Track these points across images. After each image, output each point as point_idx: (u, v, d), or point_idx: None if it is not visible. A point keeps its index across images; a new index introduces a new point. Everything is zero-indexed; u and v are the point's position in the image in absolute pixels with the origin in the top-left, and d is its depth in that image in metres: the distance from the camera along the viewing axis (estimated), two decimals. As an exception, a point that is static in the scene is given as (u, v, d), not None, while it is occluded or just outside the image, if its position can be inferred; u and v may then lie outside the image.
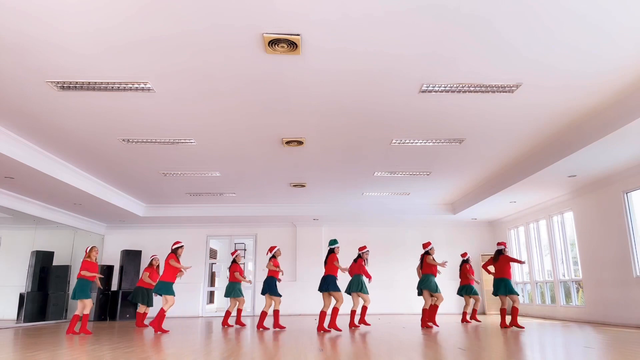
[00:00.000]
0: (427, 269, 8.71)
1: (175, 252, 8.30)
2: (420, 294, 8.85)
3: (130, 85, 5.34)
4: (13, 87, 5.35)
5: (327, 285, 7.89)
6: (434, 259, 8.71)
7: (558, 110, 6.25)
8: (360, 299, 8.56)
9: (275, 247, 8.95)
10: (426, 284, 8.55)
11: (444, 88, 5.51)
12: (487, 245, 14.01)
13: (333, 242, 8.26)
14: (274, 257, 8.71)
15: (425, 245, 8.94)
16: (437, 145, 7.63)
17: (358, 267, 8.55)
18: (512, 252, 13.13)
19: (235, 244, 14.45)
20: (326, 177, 9.69)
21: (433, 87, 5.47)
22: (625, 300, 8.46)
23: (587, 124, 6.61)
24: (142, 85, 5.34)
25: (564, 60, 4.93)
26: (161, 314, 7.96)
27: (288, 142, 7.41)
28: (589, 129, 6.61)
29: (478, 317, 11.42)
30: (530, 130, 7.02)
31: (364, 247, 8.86)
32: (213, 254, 15.62)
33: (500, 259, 8.63)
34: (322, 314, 7.86)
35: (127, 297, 12.51)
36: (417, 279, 9.74)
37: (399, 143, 7.51)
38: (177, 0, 3.85)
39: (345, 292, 8.60)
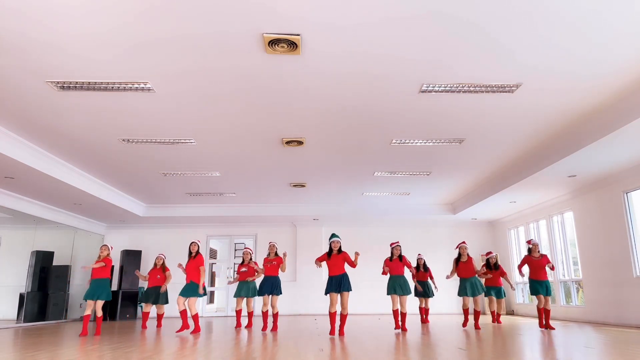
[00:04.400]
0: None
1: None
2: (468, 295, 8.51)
3: (131, 86, 5.34)
4: (13, 87, 5.35)
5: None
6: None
7: (558, 110, 6.25)
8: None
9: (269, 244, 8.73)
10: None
11: (444, 88, 5.51)
12: (487, 245, 14.01)
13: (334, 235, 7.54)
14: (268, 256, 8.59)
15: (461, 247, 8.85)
16: (437, 145, 7.62)
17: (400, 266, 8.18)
18: (512, 252, 13.14)
19: (235, 244, 14.46)
20: (326, 177, 9.69)
21: (433, 87, 5.47)
22: (625, 300, 8.46)
23: (587, 124, 6.61)
24: (142, 86, 5.34)
25: (562, 63, 4.94)
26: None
27: (288, 142, 7.41)
28: (589, 129, 6.61)
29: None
30: (530, 130, 7.01)
31: (395, 242, 8.42)
32: (213, 254, 15.63)
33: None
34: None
35: (128, 298, 12.53)
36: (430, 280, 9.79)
37: (399, 143, 7.51)
38: (177, 1, 3.85)
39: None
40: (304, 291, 13.25)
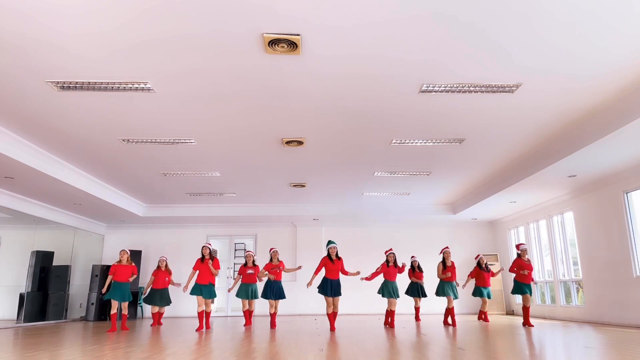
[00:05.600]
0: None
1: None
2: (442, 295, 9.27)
3: (130, 86, 5.34)
4: (13, 87, 5.35)
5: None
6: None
7: (558, 110, 6.25)
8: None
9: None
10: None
11: (444, 88, 5.51)
12: (487, 245, 14.01)
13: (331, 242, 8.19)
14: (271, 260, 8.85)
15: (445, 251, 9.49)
16: (437, 145, 7.63)
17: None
18: (512, 252, 13.13)
19: (235, 244, 14.45)
20: (326, 177, 9.69)
21: (433, 87, 5.47)
22: (625, 300, 8.47)
23: (587, 124, 6.61)
24: (142, 86, 5.34)
25: (561, 63, 4.94)
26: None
27: (288, 142, 7.41)
28: (589, 129, 6.61)
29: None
30: (530, 130, 7.02)
31: (389, 250, 9.12)
32: (213, 254, 15.59)
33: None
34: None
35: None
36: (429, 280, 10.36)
37: (399, 143, 7.51)
38: (177, 1, 3.85)
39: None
40: (304, 291, 13.20)
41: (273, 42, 4.43)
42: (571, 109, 6.21)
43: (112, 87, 5.35)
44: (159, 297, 9.83)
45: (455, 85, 5.45)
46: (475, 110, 6.23)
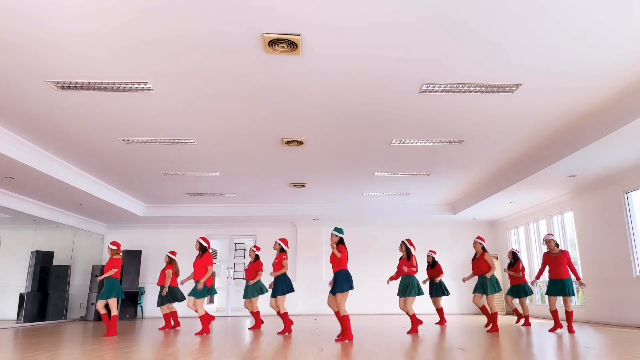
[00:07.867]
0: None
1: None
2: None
3: (131, 86, 5.34)
4: (13, 87, 5.35)
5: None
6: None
7: (558, 110, 6.25)
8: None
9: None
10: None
11: (443, 88, 5.51)
12: (487, 245, 13.96)
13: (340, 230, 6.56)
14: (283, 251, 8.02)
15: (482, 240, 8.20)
16: (437, 145, 7.63)
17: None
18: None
19: (235, 243, 14.45)
20: (326, 177, 9.69)
21: (433, 87, 5.47)
22: (625, 300, 8.47)
23: (587, 124, 6.61)
24: (142, 86, 5.34)
25: (561, 64, 4.94)
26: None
27: (288, 142, 7.41)
28: (589, 129, 6.61)
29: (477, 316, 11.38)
30: (530, 130, 7.02)
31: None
32: (213, 254, 15.61)
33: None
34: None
35: (128, 298, 12.48)
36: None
37: (399, 143, 7.51)
38: (177, 1, 3.85)
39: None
40: (303, 291, 13.24)
41: (273, 42, 4.43)
42: (571, 109, 6.21)
43: (112, 87, 5.35)
44: (171, 296, 9.19)
45: (455, 85, 5.45)
46: (475, 110, 6.23)
